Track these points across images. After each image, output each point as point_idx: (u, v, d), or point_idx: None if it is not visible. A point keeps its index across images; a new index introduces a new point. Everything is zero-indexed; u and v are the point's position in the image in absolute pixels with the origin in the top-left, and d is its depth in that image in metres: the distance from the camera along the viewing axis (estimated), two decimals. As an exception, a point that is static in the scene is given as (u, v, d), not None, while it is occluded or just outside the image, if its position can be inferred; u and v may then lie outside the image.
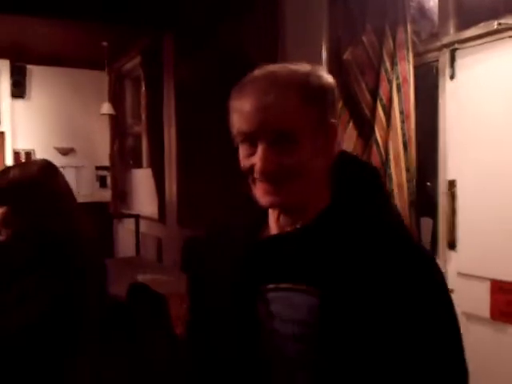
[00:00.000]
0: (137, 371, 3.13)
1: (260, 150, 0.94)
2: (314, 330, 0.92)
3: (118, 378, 3.29)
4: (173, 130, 5.64)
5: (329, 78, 1.01)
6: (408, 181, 2.68)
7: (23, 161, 7.13)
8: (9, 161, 7.01)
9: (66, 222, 1.79)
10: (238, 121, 0.97)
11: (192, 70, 5.12)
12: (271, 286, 0.98)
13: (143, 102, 6.47)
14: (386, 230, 0.96)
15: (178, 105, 5.48)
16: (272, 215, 1.03)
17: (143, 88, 6.41)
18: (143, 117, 6.60)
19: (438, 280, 0.97)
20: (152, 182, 6.12)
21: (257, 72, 1.00)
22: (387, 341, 0.91)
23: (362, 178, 1.04)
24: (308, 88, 0.95)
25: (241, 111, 0.96)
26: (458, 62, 2.69)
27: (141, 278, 4.21)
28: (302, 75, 0.97)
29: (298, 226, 0.99)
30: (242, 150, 0.98)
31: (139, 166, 7.19)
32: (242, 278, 1.02)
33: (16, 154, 7.09)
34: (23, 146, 7.16)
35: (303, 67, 1.00)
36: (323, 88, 0.97)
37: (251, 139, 0.95)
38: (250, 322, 0.99)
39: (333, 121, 0.97)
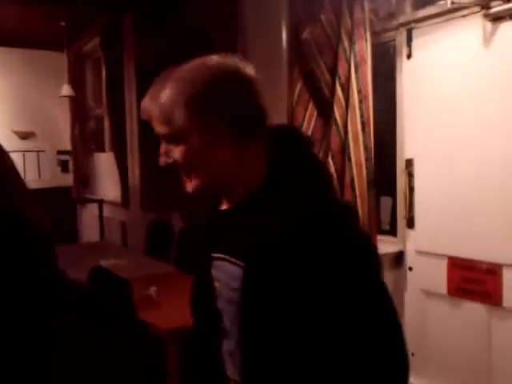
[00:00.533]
0: (100, 356, 3.10)
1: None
2: (239, 297, 1.03)
3: (82, 364, 3.25)
4: (134, 113, 5.54)
5: (235, 72, 1.06)
6: (367, 160, 2.69)
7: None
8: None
9: (15, 209, 1.73)
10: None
11: (153, 50, 5.02)
12: (216, 255, 1.11)
13: (104, 84, 6.34)
14: (310, 206, 0.99)
15: (140, 87, 5.37)
16: None
17: (103, 70, 6.27)
18: (104, 99, 6.47)
19: (360, 254, 1.00)
20: (115, 166, 6.02)
21: (160, 77, 1.12)
22: (304, 312, 0.97)
23: (294, 150, 1.09)
24: (189, 93, 1.01)
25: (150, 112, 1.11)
26: (415, 42, 2.71)
27: (104, 262, 4.15)
28: (189, 77, 1.04)
29: (234, 203, 1.09)
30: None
31: (102, 149, 7.06)
32: (202, 247, 1.18)
33: (-28, 139, 6.87)
34: (-20, 130, 6.95)
35: (205, 65, 1.07)
36: (197, 85, 1.02)
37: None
38: (206, 283, 1.14)
39: (211, 117, 1.01)
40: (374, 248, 1.08)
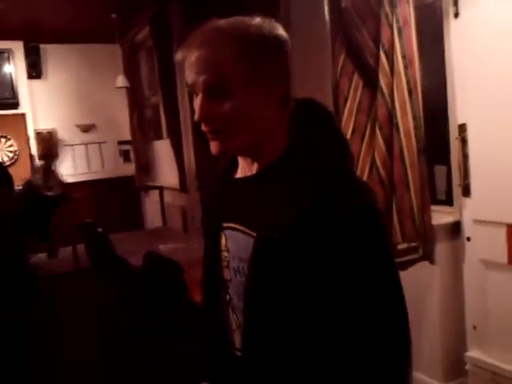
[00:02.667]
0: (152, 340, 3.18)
1: (197, 100, 1.01)
2: (248, 267, 1.03)
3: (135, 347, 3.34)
4: (186, 99, 5.59)
5: (276, 32, 1.01)
6: (415, 128, 2.58)
7: (45, 141, 7.24)
8: (32, 142, 7.10)
9: None
10: (185, 72, 1.02)
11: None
12: (227, 224, 1.11)
13: (157, 72, 6.43)
14: (325, 177, 0.99)
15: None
16: (240, 161, 1.13)
17: (155, 58, 6.35)
18: (158, 87, 6.56)
19: (371, 227, 0.99)
20: (172, 152, 6.12)
21: (204, 25, 1.03)
22: (310, 285, 0.98)
23: (315, 124, 1.07)
24: (244, 42, 0.97)
25: (184, 63, 1.02)
26: (462, 0, 2.55)
27: (162, 247, 4.24)
28: (243, 29, 0.99)
29: (254, 172, 1.08)
30: (194, 102, 1.03)
31: (160, 137, 7.19)
32: (213, 215, 1.16)
33: (38, 135, 7.17)
34: (44, 125, 7.23)
35: (250, 20, 1.01)
36: (263, 42, 0.98)
37: (194, 91, 1.02)
38: (214, 253, 1.14)
39: (252, 75, 0.98)
40: (383, 223, 1.05)
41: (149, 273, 2.87)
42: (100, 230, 3.84)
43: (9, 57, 6.89)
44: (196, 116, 1.00)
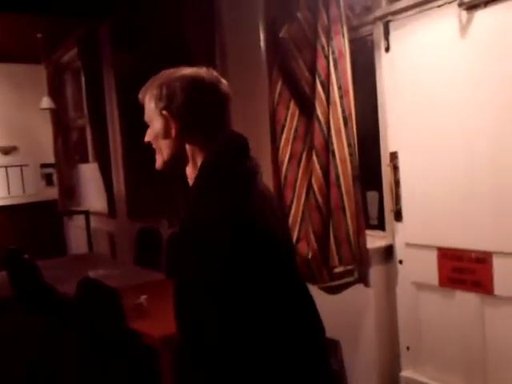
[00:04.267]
0: (91, 367, 3.06)
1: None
2: None
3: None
4: (116, 122, 5.50)
5: (175, 79, 1.29)
6: (351, 155, 2.68)
7: (-38, 163, 6.85)
8: None
9: None
10: None
11: (131, 58, 4.98)
12: None
13: (84, 94, 6.29)
14: (207, 192, 1.22)
15: (120, 95, 5.33)
16: None
17: (83, 80, 6.22)
18: (85, 110, 6.42)
19: (214, 237, 1.13)
20: (99, 176, 5.97)
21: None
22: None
23: (227, 149, 1.29)
24: (154, 88, 1.30)
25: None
26: (392, 34, 2.70)
27: (92, 273, 4.10)
28: (158, 78, 1.32)
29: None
30: None
31: (85, 160, 7.00)
32: None
33: (-46, 156, 6.79)
34: (-39, 147, 6.86)
35: (179, 71, 1.32)
36: (161, 87, 1.29)
37: None
38: None
39: (163, 112, 1.28)
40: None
41: (84, 300, 2.77)
42: (26, 256, 3.68)
43: None
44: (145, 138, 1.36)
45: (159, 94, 1.28)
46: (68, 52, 6.58)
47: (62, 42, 6.38)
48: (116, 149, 5.61)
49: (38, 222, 7.09)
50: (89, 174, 6.79)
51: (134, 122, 4.98)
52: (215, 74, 1.34)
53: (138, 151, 5.20)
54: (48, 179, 7.55)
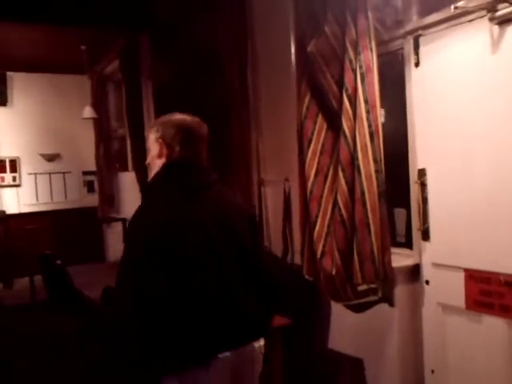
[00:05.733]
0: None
1: None
2: None
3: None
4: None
5: (168, 121, 1.99)
6: (376, 171, 2.62)
7: (8, 169, 7.10)
8: (-7, 169, 6.96)
9: None
10: None
11: (168, 69, 5.06)
12: None
13: (124, 104, 6.42)
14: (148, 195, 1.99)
15: (157, 105, 5.42)
16: None
17: (124, 90, 6.35)
18: (125, 119, 6.55)
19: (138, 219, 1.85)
20: (136, 184, 6.06)
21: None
22: None
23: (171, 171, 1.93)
24: (154, 126, 2.01)
25: None
26: (422, 49, 2.64)
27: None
28: (157, 120, 2.06)
29: None
30: None
31: (125, 169, 7.14)
32: None
33: (1, 162, 7.03)
34: (8, 153, 7.11)
35: (171, 116, 2.02)
36: (158, 124, 1.99)
37: None
38: None
39: (159, 140, 1.94)
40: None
41: (105, 307, 2.80)
42: (59, 261, 3.76)
43: (-26, 83, 6.80)
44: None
45: (156, 129, 1.96)
46: (111, 63, 6.75)
47: (104, 53, 6.56)
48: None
49: (79, 228, 7.26)
50: (127, 182, 6.91)
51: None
52: (197, 119, 2.01)
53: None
54: (89, 186, 7.74)
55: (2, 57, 6.54)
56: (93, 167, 7.59)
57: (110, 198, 7.43)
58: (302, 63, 3.05)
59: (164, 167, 1.90)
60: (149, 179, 1.95)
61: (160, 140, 1.92)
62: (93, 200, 7.59)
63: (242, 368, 1.92)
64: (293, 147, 3.36)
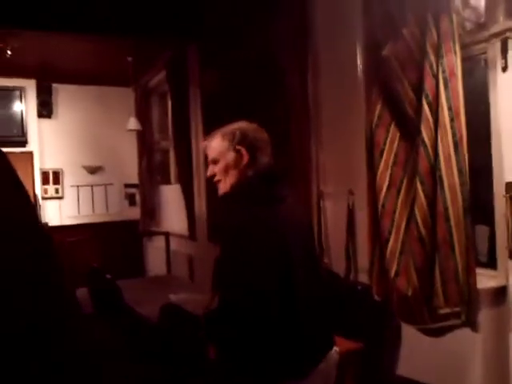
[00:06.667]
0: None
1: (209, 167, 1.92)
2: None
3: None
4: (201, 143, 5.47)
5: (243, 127, 1.90)
6: (461, 184, 2.42)
7: (51, 181, 7.08)
8: (37, 181, 6.94)
9: None
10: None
11: (218, 80, 4.95)
12: None
13: (170, 116, 6.34)
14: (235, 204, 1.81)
15: (205, 117, 5.31)
16: None
17: (170, 102, 6.28)
18: (170, 132, 6.47)
19: (238, 227, 1.72)
20: (181, 198, 5.95)
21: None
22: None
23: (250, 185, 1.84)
24: (225, 133, 1.88)
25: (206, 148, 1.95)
26: (511, 53, 2.44)
27: (173, 297, 4.01)
28: (227, 128, 1.90)
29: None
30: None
31: (167, 182, 7.05)
32: None
33: (44, 174, 7.01)
34: (51, 165, 7.08)
35: (234, 125, 1.92)
36: (234, 131, 1.87)
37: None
38: None
39: (238, 147, 1.84)
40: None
41: (167, 327, 2.64)
42: (109, 276, 3.63)
43: (21, 95, 6.81)
44: (207, 174, 1.93)
45: (233, 136, 1.85)
46: (156, 75, 6.70)
47: (150, 65, 6.51)
48: (199, 171, 5.57)
49: (120, 241, 7.17)
50: (170, 195, 6.81)
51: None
52: (257, 125, 1.93)
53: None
54: (131, 199, 7.66)
55: (48, 68, 6.56)
56: (134, 180, 7.52)
57: (151, 211, 7.34)
58: (373, 69, 2.88)
59: (253, 177, 1.80)
60: (223, 192, 1.84)
61: (238, 147, 1.83)
62: (134, 213, 7.51)
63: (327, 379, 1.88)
64: (357, 158, 3.18)
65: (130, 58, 6.22)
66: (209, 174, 1.89)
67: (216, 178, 1.87)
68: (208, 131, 5.28)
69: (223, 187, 1.85)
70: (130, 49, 6.11)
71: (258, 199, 1.78)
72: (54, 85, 7.06)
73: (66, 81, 7.03)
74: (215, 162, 1.87)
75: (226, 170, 1.84)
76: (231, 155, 1.83)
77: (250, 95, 4.18)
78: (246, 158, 1.82)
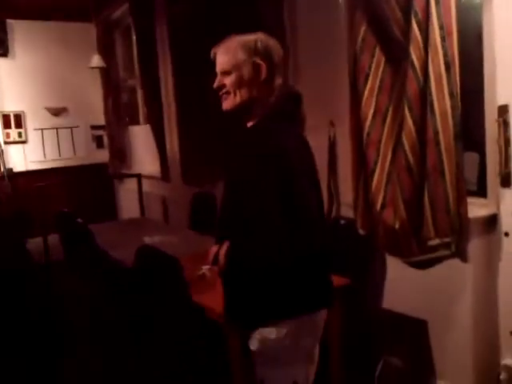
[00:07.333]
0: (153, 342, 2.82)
1: (218, 77, 1.74)
2: None
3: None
4: (170, 81, 5.19)
5: (264, 39, 1.70)
6: (453, 108, 2.28)
7: (13, 124, 6.73)
8: (-2, 125, 6.58)
9: None
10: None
11: (186, 10, 4.63)
12: None
13: (135, 52, 6.00)
14: (264, 136, 1.65)
15: (174, 53, 5.01)
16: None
17: (134, 37, 5.92)
18: (136, 69, 6.14)
19: (268, 154, 1.58)
20: (151, 138, 5.71)
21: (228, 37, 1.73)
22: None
23: (286, 104, 1.72)
24: (244, 43, 1.67)
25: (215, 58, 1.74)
26: (507, -37, 2.25)
27: (148, 239, 3.87)
28: (245, 37, 1.69)
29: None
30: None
31: (136, 122, 6.76)
32: None
33: (5, 117, 6.65)
34: (11, 108, 6.70)
35: (251, 35, 1.70)
36: (256, 42, 1.67)
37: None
38: None
39: (257, 61, 1.66)
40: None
41: (143, 270, 2.50)
42: (80, 220, 3.45)
43: (-29, 32, 6.35)
44: (214, 84, 1.73)
45: (254, 47, 1.67)
46: (119, 8, 6.28)
47: (112, -4, 6.09)
48: (170, 110, 5.32)
49: (89, 185, 6.94)
50: (140, 136, 6.55)
51: (189, 81, 4.69)
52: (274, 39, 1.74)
53: (193, 112, 4.92)
54: (98, 141, 7.36)
55: (1, 3, 6.09)
56: (101, 121, 7.19)
57: (120, 153, 7.07)
58: (357, -13, 2.66)
59: (282, 99, 1.70)
60: (229, 107, 1.71)
61: (258, 61, 1.66)
62: (103, 156, 7.23)
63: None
64: (337, 87, 3.01)
65: (89, -11, 5.81)
66: (216, 84, 1.71)
67: (224, 90, 1.70)
68: (177, 66, 5.06)
69: (231, 102, 1.69)
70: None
71: (287, 122, 1.69)
72: (9, 21, 6.57)
73: (22, 16, 6.54)
74: (227, 72, 1.69)
75: (238, 84, 1.67)
76: (248, 68, 1.66)
77: (221, 26, 3.90)
78: (263, 74, 1.66)
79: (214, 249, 1.73)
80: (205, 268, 2.62)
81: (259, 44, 1.66)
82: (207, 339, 2.45)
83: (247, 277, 1.67)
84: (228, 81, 1.68)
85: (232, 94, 1.68)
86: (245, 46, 1.66)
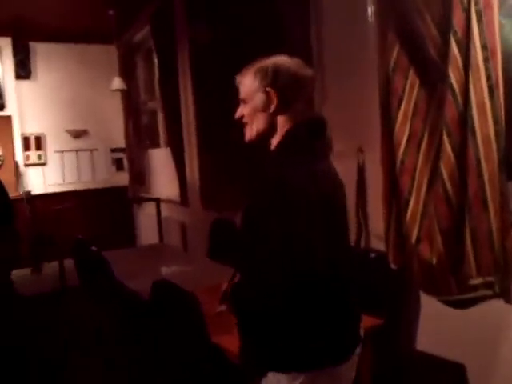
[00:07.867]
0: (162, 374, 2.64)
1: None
2: None
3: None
4: (191, 104, 5.07)
5: (280, 63, 1.58)
6: (496, 134, 2.08)
7: (33, 147, 6.68)
8: (18, 146, 6.53)
9: None
10: None
11: (208, 33, 4.53)
12: None
13: (156, 74, 5.92)
14: (277, 168, 1.53)
15: (195, 75, 4.90)
16: None
17: (155, 59, 5.85)
18: (157, 91, 6.05)
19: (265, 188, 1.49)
20: (171, 162, 5.58)
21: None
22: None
23: (305, 132, 1.57)
24: (257, 69, 1.59)
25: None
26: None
27: (165, 270, 3.71)
28: (261, 63, 1.60)
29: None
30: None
31: (156, 145, 6.66)
32: None
33: (25, 139, 6.61)
34: (32, 130, 6.67)
35: (269, 60, 1.60)
36: (266, 68, 1.57)
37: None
38: None
39: (267, 89, 1.57)
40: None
41: (160, 306, 2.33)
42: (94, 248, 3.31)
43: (-5, 54, 6.36)
44: (235, 115, 1.66)
45: (265, 74, 1.56)
46: (140, 31, 6.24)
47: (134, 19, 6.04)
48: (190, 133, 5.19)
49: (108, 209, 6.84)
50: (160, 159, 6.44)
51: (211, 105, 4.57)
52: (300, 61, 1.61)
53: (214, 136, 4.78)
54: (118, 164, 7.29)
55: (25, 26, 6.09)
56: (121, 144, 7.13)
57: (140, 176, 6.97)
58: (388, 6, 2.51)
59: (294, 129, 1.55)
60: (248, 138, 1.64)
61: (268, 89, 1.56)
62: (122, 179, 7.14)
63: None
64: (366, 112, 2.84)
65: (111, 12, 5.78)
66: (237, 115, 1.65)
67: (244, 121, 1.64)
68: (198, 89, 4.95)
69: (248, 133, 1.63)
70: (112, 1, 5.66)
71: (299, 153, 1.53)
72: (32, 43, 6.59)
73: (44, 39, 6.56)
74: (245, 101, 1.63)
75: (253, 113, 1.60)
76: (260, 96, 1.58)
77: (244, 47, 3.78)
78: (274, 102, 1.56)
79: (224, 286, 1.62)
80: (223, 306, 2.45)
81: (269, 70, 1.56)
82: (225, 382, 2.26)
83: (252, 317, 1.50)
84: (246, 111, 1.62)
85: (249, 125, 1.62)
86: (258, 73, 1.58)
